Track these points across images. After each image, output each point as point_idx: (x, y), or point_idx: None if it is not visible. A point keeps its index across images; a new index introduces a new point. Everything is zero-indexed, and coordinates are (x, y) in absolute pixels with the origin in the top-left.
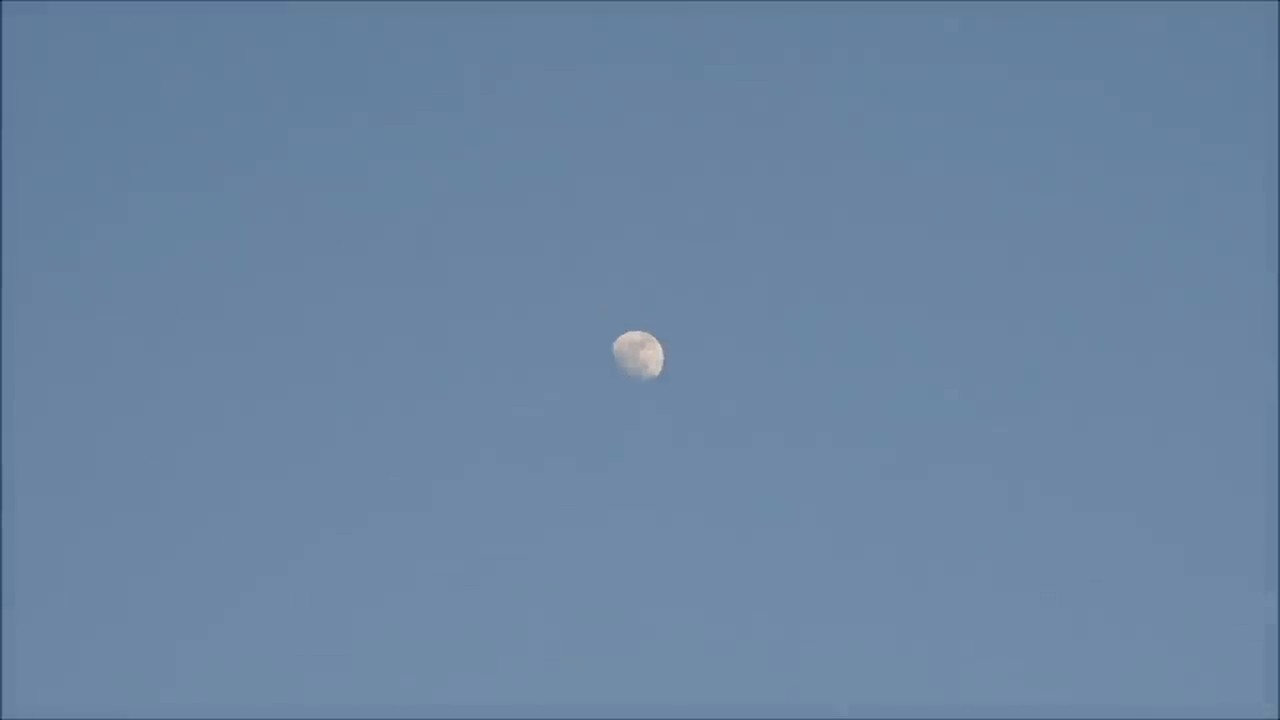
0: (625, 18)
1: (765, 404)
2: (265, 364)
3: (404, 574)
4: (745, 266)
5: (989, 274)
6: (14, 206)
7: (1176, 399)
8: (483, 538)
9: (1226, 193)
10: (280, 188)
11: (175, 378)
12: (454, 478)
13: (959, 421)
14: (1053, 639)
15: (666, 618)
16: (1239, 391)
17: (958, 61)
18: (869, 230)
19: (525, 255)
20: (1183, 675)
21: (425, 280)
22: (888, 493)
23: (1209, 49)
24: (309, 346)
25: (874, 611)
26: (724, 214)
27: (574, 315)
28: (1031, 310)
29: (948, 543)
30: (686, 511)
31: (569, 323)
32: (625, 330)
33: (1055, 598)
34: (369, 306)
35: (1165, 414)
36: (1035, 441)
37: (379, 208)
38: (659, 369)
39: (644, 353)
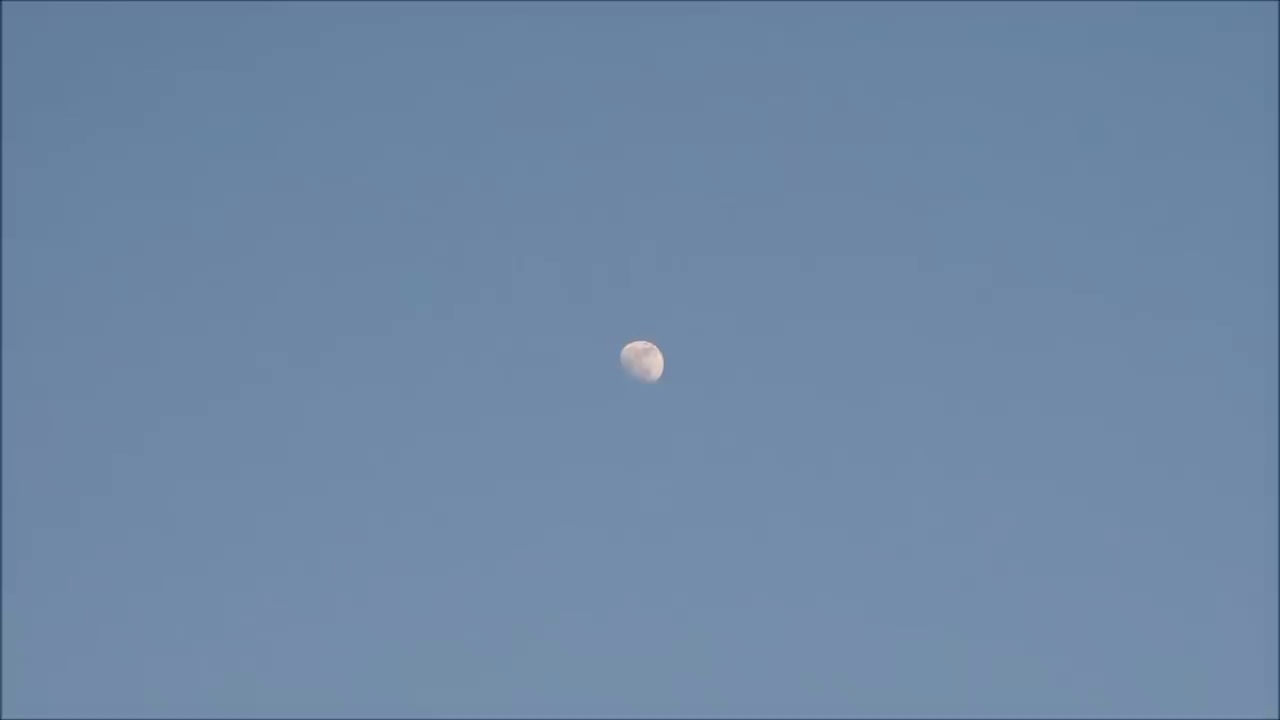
0: (627, 18)
1: (759, 403)
2: (268, 365)
3: (413, 572)
4: (739, 278)
5: (988, 275)
6: (14, 206)
7: (1176, 399)
8: (490, 533)
9: (1226, 193)
10: (282, 188)
11: (176, 377)
12: (465, 476)
13: (957, 420)
14: (1053, 639)
15: (665, 603)
16: (1239, 391)
17: (958, 63)
18: (865, 238)
19: (541, 269)
20: (1183, 675)
21: (441, 287)
22: (885, 491)
23: (1209, 49)
24: (313, 348)
25: (873, 611)
26: (722, 226)
27: (586, 325)
28: (1031, 312)
29: (946, 542)
30: (684, 501)
31: (582, 332)
32: (631, 340)
33: (1055, 597)
34: (373, 307)
35: (1165, 413)
36: (1034, 442)
37: (384, 209)
38: (659, 373)
39: (647, 359)
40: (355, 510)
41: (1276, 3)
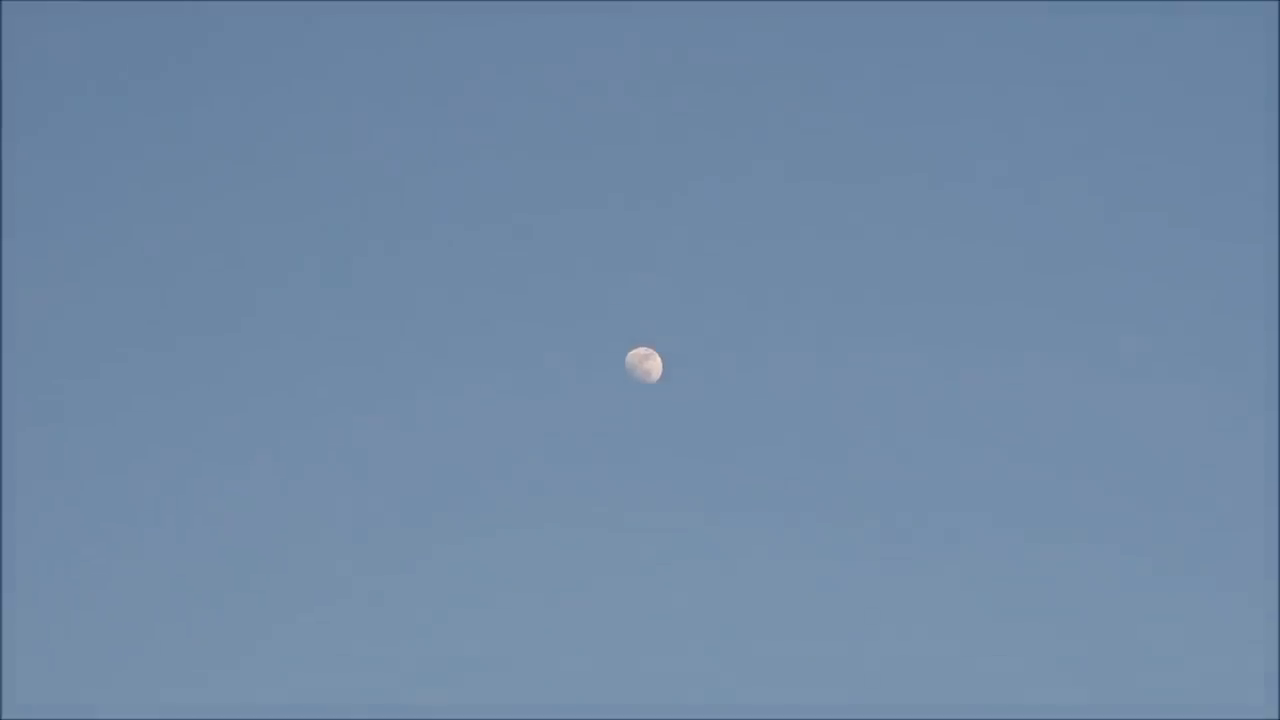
0: (629, 18)
1: (752, 402)
2: (268, 366)
3: (416, 570)
4: (734, 283)
5: (985, 276)
6: (14, 206)
7: (1175, 398)
8: (495, 528)
9: (1226, 193)
10: (282, 188)
11: (177, 376)
12: (472, 476)
13: (954, 420)
14: (1052, 639)
15: (666, 599)
16: (1239, 391)
17: (957, 65)
18: (862, 237)
19: (545, 274)
20: (1183, 675)
21: (443, 291)
22: (884, 489)
23: (1209, 49)
24: (318, 349)
25: (872, 611)
26: (719, 236)
27: (593, 331)
28: (1031, 313)
29: (945, 540)
30: (683, 494)
31: (590, 338)
32: (634, 346)
33: (1054, 597)
34: (379, 310)
35: (1165, 411)
36: (1034, 442)
37: (391, 212)
38: (659, 375)
39: (648, 363)
40: (358, 510)
41: (1276, 2)
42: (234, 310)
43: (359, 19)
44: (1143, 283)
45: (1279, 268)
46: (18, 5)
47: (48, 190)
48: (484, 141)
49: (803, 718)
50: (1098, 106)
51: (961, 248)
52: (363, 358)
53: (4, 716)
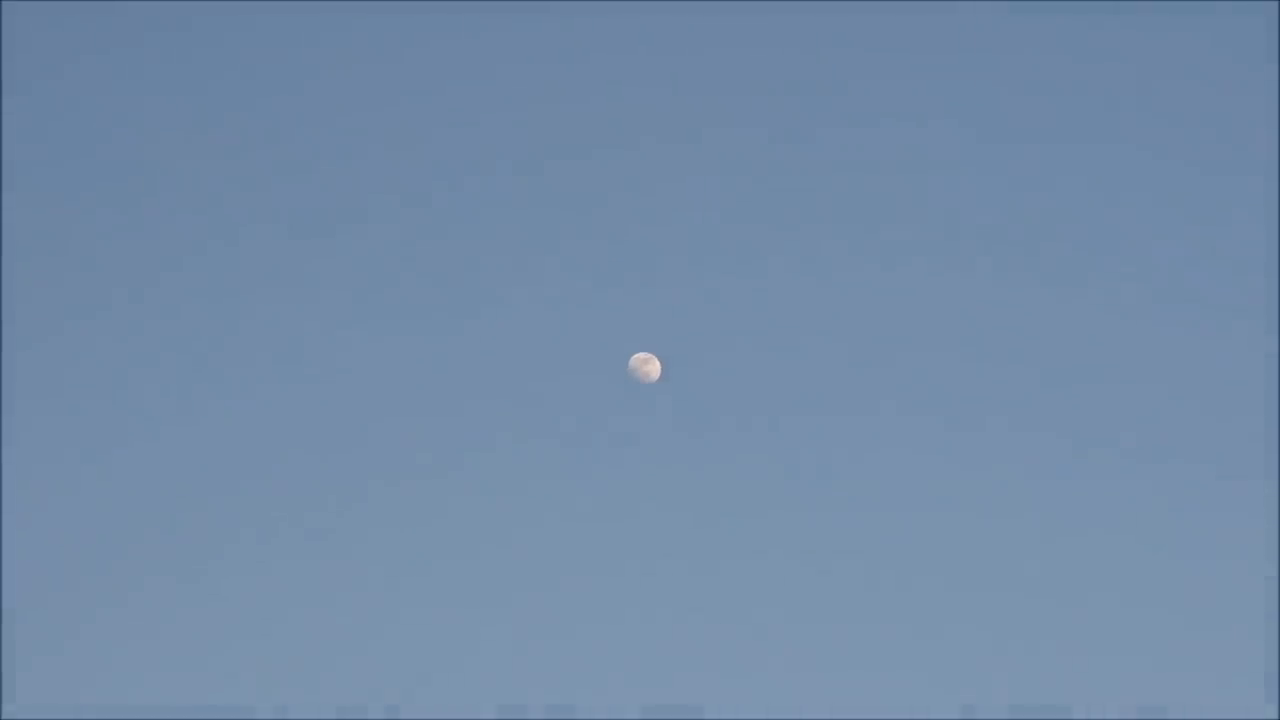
0: (633, 17)
1: (746, 403)
2: (270, 368)
3: (420, 569)
4: (731, 288)
5: (983, 276)
6: (14, 206)
7: (1176, 397)
8: (501, 523)
9: (1226, 193)
10: (283, 188)
11: (178, 375)
12: (478, 471)
13: (951, 418)
14: (1052, 639)
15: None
16: (1239, 390)
17: (956, 66)
18: (866, 245)
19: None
20: (1183, 675)
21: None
22: (883, 490)
23: (1209, 49)
24: (319, 353)
25: (871, 610)
26: (716, 244)
27: (598, 337)
28: (1030, 314)
29: (944, 540)
30: (680, 487)
31: (595, 343)
32: (636, 351)
33: (1054, 597)
34: (384, 311)
35: (1165, 409)
36: (1033, 443)
37: (393, 214)
38: (658, 376)
39: (648, 366)
40: (361, 510)
41: (1276, 2)
42: (236, 310)
43: (357, 19)
44: (1142, 281)
45: (1279, 268)
46: (18, 6)
47: (48, 190)
48: (485, 141)
49: (802, 718)
50: (1097, 106)
51: (961, 248)
52: (363, 358)
53: (4, 717)
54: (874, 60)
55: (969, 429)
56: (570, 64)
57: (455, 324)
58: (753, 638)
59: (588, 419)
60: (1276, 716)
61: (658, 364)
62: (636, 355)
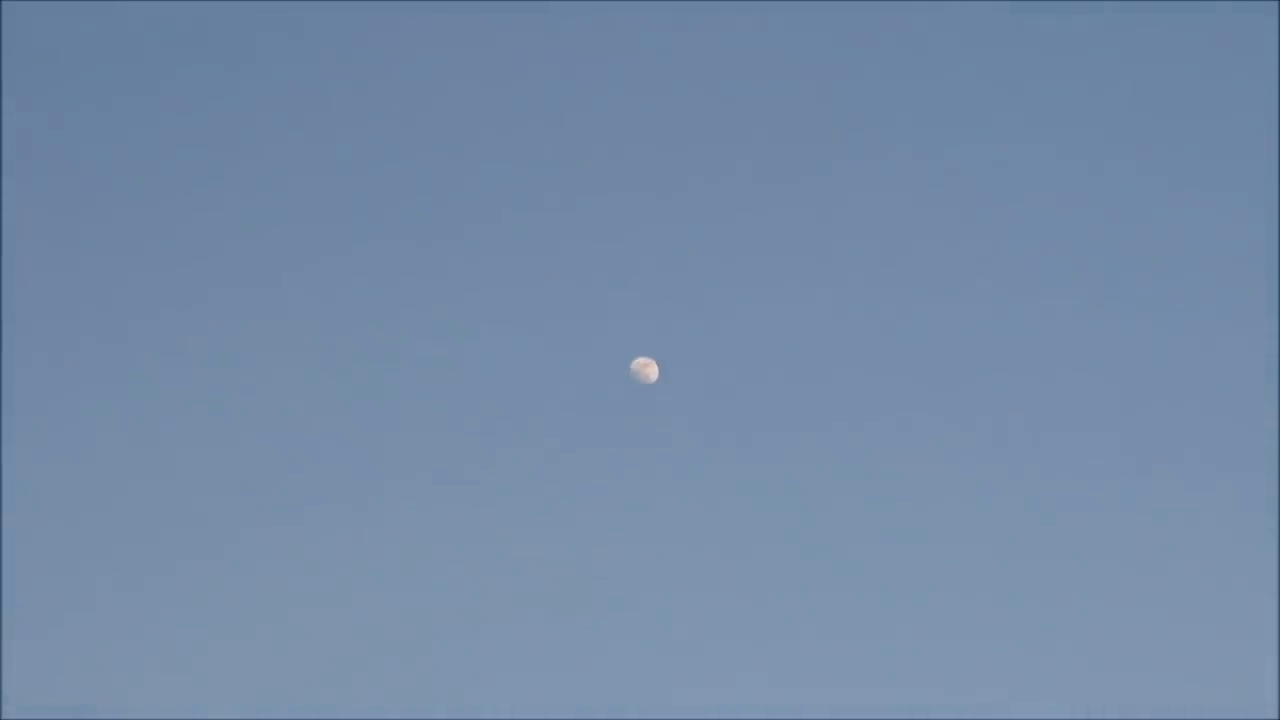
0: (636, 16)
1: (740, 402)
2: (271, 371)
3: (422, 567)
4: (729, 294)
5: (982, 277)
6: (14, 207)
7: (1175, 398)
8: (505, 520)
9: (1226, 194)
10: (283, 189)
11: (178, 375)
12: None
13: (949, 417)
14: (1052, 639)
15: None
16: (1240, 391)
17: (957, 66)
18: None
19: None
20: (1183, 675)
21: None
22: (881, 493)
23: (1209, 49)
24: (323, 356)
25: (871, 610)
26: (714, 252)
27: (602, 341)
28: (1031, 314)
29: (943, 542)
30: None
31: (599, 347)
32: (637, 356)
33: (1054, 597)
34: (388, 312)
35: (1165, 409)
36: (1032, 443)
37: (399, 215)
38: (656, 378)
39: (647, 370)
40: (364, 510)
41: (1276, 2)
42: (237, 311)
43: (356, 19)
44: (1141, 281)
45: (1279, 271)
46: (18, 6)
47: (48, 190)
48: (484, 142)
49: (801, 718)
50: (1096, 106)
51: (960, 249)
52: (363, 360)
53: (4, 717)
54: (874, 61)
55: (966, 425)
56: (585, 64)
57: (458, 324)
58: (753, 638)
59: (590, 418)
60: (1277, 717)
61: (656, 367)
62: (637, 359)
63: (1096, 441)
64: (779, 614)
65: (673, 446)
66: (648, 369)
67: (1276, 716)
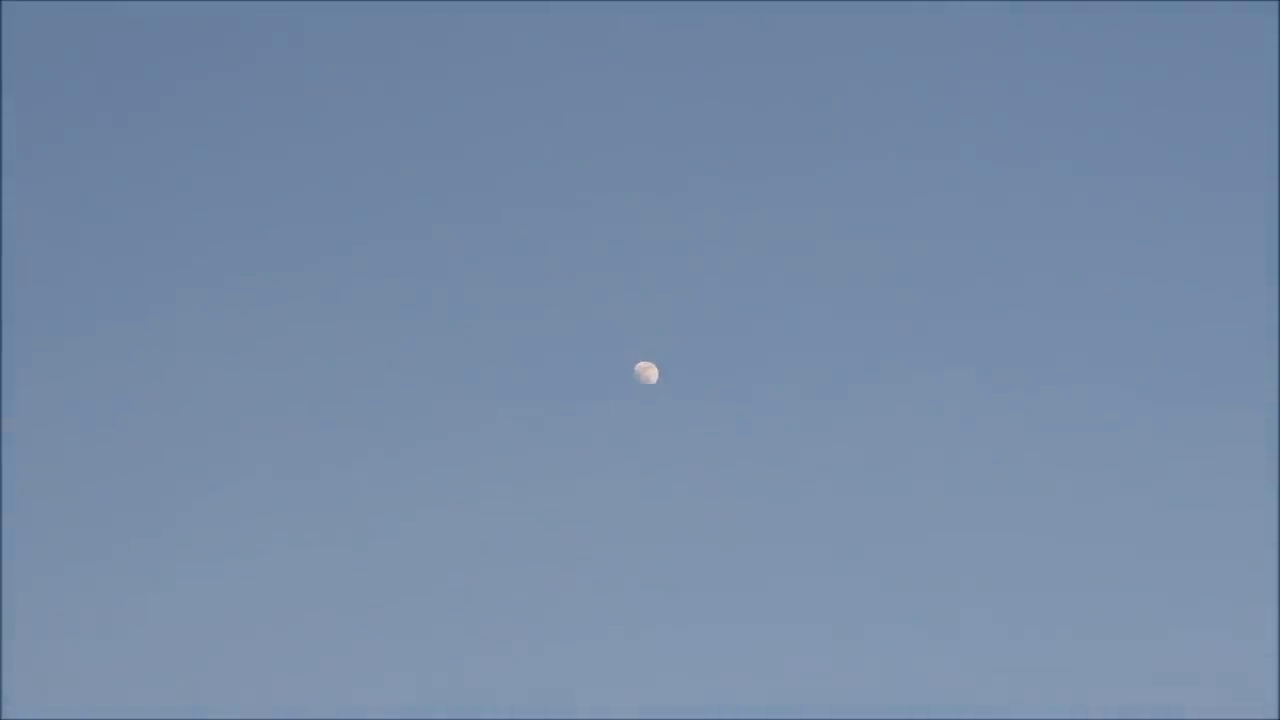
0: (637, 16)
1: (737, 403)
2: (273, 373)
3: (423, 567)
4: (728, 298)
5: (981, 277)
6: (14, 207)
7: (1175, 398)
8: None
9: (1226, 193)
10: (284, 191)
11: (178, 375)
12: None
13: (947, 416)
14: (1052, 639)
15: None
16: (1239, 391)
17: (957, 67)
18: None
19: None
20: (1183, 675)
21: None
22: (879, 493)
23: (1209, 49)
24: (324, 354)
25: (870, 611)
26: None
27: (608, 345)
28: (1030, 313)
29: (940, 541)
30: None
31: (604, 351)
32: (639, 360)
33: (1054, 597)
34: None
35: (1165, 409)
36: (1032, 443)
37: (403, 219)
38: (656, 379)
39: (648, 372)
40: (366, 509)
41: (1276, 2)
42: (238, 311)
43: (356, 19)
44: (1140, 280)
45: (1279, 271)
46: (18, 6)
47: (47, 190)
48: (488, 143)
49: (799, 718)
50: (1096, 106)
51: (959, 249)
52: (363, 361)
53: (4, 717)
54: (873, 61)
55: (964, 426)
56: (585, 64)
57: (457, 326)
58: (752, 639)
59: (593, 418)
60: (1277, 717)
61: (655, 370)
62: (641, 364)
63: (1097, 441)
64: (778, 614)
65: (674, 447)
66: (648, 372)
67: (1276, 717)
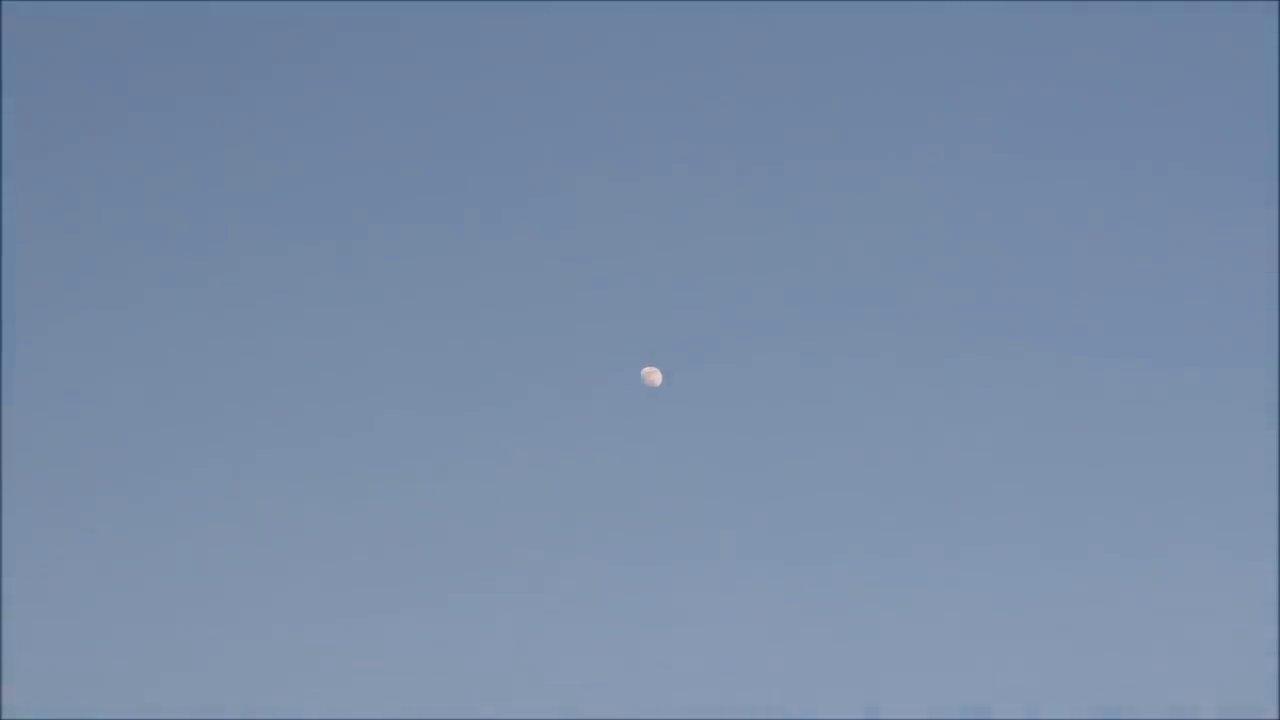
0: (636, 15)
1: (735, 403)
2: (274, 376)
3: (426, 565)
4: (728, 302)
5: (980, 277)
6: (14, 207)
7: (1175, 398)
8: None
9: (1226, 193)
10: (285, 191)
11: (181, 376)
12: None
13: (946, 415)
14: (1052, 639)
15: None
16: (1240, 391)
17: (957, 66)
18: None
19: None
20: (1183, 674)
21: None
22: (880, 485)
23: (1209, 49)
24: (328, 358)
25: (869, 612)
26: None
27: (613, 348)
28: (1030, 313)
29: (939, 541)
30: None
31: (609, 354)
32: (645, 366)
33: (1054, 597)
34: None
35: (1165, 410)
36: (1032, 442)
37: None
38: (660, 382)
39: (652, 376)
40: (367, 509)
41: (1276, 2)
42: (239, 312)
43: (354, 18)
44: (1139, 279)
45: (1279, 266)
46: (18, 5)
47: (47, 189)
48: (491, 144)
49: (799, 718)
50: (1096, 106)
51: (958, 249)
52: (363, 364)
53: (4, 717)
54: (872, 62)
55: (962, 427)
56: (585, 65)
57: (460, 326)
58: (753, 639)
59: (597, 418)
60: (1277, 717)
61: (659, 374)
62: (646, 368)
63: (1096, 441)
64: (779, 614)
65: (674, 447)
66: (652, 375)
67: (1276, 717)
